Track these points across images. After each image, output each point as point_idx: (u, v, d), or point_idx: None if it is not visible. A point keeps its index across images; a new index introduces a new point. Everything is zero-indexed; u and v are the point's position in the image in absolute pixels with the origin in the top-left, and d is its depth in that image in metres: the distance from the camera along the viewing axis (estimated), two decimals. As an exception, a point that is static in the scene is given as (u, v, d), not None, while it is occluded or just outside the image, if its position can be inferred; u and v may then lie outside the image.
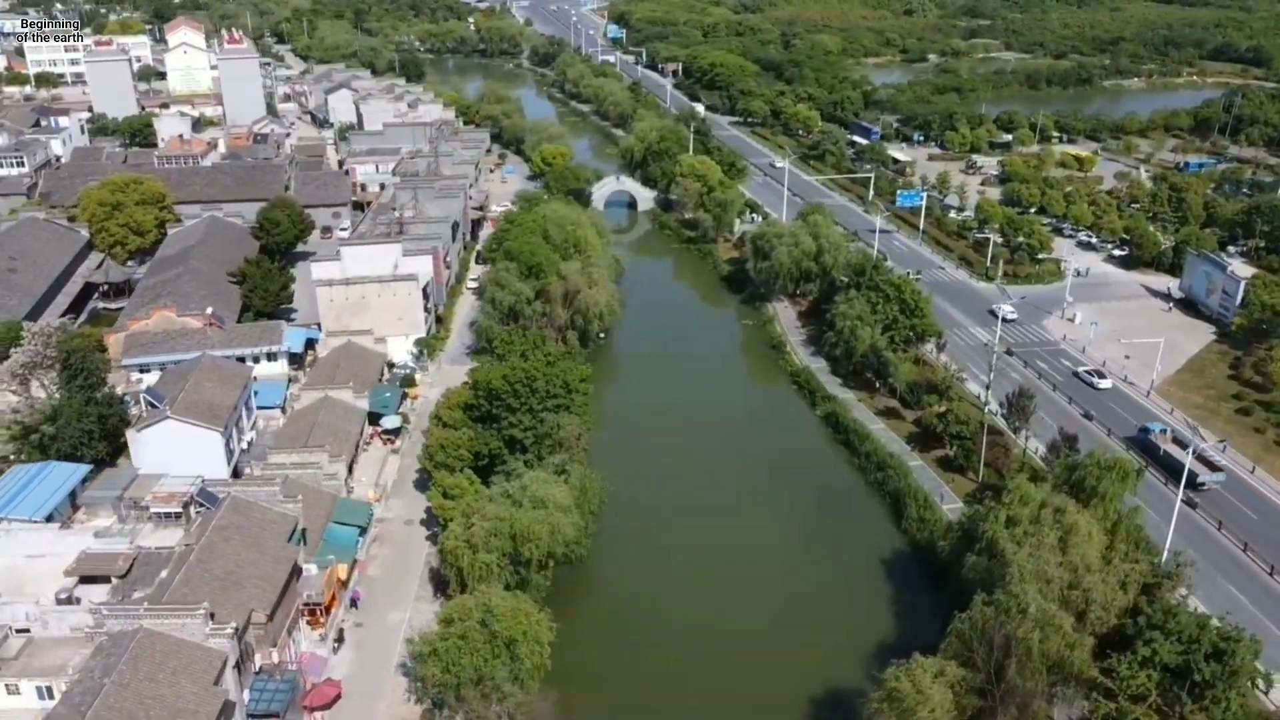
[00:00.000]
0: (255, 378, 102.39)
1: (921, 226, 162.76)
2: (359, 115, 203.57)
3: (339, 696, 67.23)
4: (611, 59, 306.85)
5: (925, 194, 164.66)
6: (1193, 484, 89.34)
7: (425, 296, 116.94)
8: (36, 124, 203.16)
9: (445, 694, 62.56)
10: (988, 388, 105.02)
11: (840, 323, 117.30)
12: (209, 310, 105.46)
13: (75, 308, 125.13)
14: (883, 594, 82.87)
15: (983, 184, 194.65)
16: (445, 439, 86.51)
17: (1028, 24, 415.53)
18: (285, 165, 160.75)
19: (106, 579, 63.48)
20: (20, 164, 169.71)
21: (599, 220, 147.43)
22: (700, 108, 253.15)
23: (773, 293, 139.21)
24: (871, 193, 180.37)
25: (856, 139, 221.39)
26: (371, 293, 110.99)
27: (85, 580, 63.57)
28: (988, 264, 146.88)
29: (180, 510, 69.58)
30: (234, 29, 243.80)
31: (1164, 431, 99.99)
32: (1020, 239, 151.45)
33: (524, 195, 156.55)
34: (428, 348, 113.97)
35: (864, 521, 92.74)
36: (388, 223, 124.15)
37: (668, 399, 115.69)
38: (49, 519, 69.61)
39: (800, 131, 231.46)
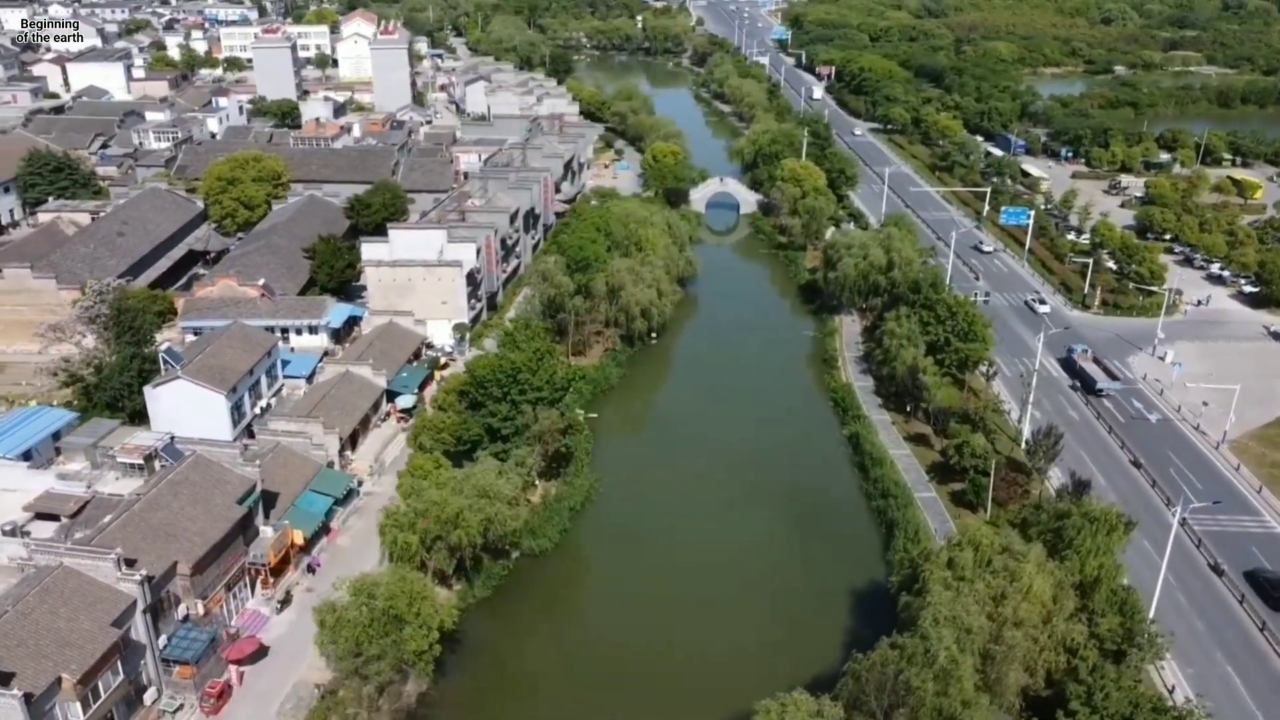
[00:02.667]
0: (293, 349, 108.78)
1: (1028, 246, 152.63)
2: (489, 107, 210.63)
3: (258, 652, 70.46)
4: (765, 60, 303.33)
5: (1032, 213, 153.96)
6: (1094, 390, 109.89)
7: (475, 283, 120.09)
8: (208, 104, 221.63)
9: (334, 664, 64.59)
10: (1019, 421, 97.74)
11: (887, 341, 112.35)
12: (261, 281, 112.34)
13: (178, 273, 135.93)
14: (842, 624, 78.64)
15: (1123, 205, 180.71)
16: (430, 421, 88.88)
17: (1241, 36, 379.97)
18: (394, 151, 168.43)
19: (57, 517, 69.28)
20: (189, 139, 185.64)
21: (676, 219, 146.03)
22: (817, 91, 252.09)
23: (843, 305, 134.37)
24: (986, 208, 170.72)
25: (994, 151, 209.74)
26: (417, 275, 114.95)
27: (40, 516, 69.63)
28: (1084, 291, 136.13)
29: (142, 462, 74.80)
30: (391, 21, 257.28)
31: (1085, 351, 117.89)
32: (1133, 267, 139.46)
33: (599, 191, 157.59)
34: (469, 333, 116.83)
35: (854, 548, 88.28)
36: (450, 209, 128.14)
37: (697, 405, 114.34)
38: (27, 457, 76.74)
39: (939, 141, 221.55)
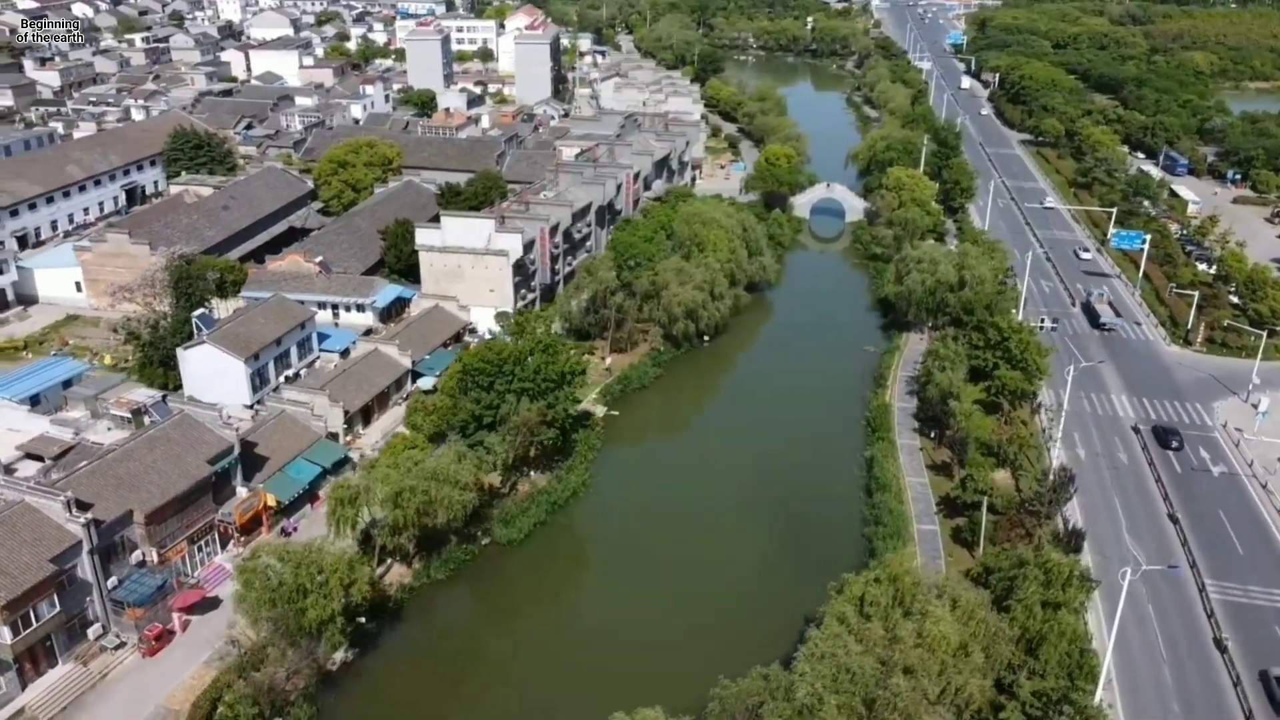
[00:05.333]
0: (336, 324, 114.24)
1: (1141, 273, 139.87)
2: (614, 104, 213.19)
3: (201, 602, 74.61)
4: (926, 65, 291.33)
5: (1148, 237, 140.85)
6: (1098, 324, 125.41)
7: (526, 274, 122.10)
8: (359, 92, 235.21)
9: (248, 624, 67.68)
10: (1038, 460, 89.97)
11: (929, 362, 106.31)
12: (319, 259, 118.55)
13: (278, 247, 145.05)
14: (784, 649, 75.06)
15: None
16: (422, 403, 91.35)
17: None
18: (501, 142, 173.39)
19: (43, 459, 75.97)
20: (321, 123, 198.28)
21: (753, 222, 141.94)
22: (965, 81, 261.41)
23: (916, 322, 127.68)
24: (1111, 228, 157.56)
25: (1147, 169, 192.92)
26: (466, 263, 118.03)
27: (30, 456, 76.56)
28: (1188, 326, 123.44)
29: (130, 415, 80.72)
30: (540, 17, 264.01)
31: (1101, 295, 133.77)
32: (1251, 303, 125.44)
33: (676, 191, 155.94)
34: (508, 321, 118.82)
35: (831, 574, 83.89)
36: (515, 199, 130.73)
37: (726, 413, 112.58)
38: (34, 401, 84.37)
39: (1088, 156, 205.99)
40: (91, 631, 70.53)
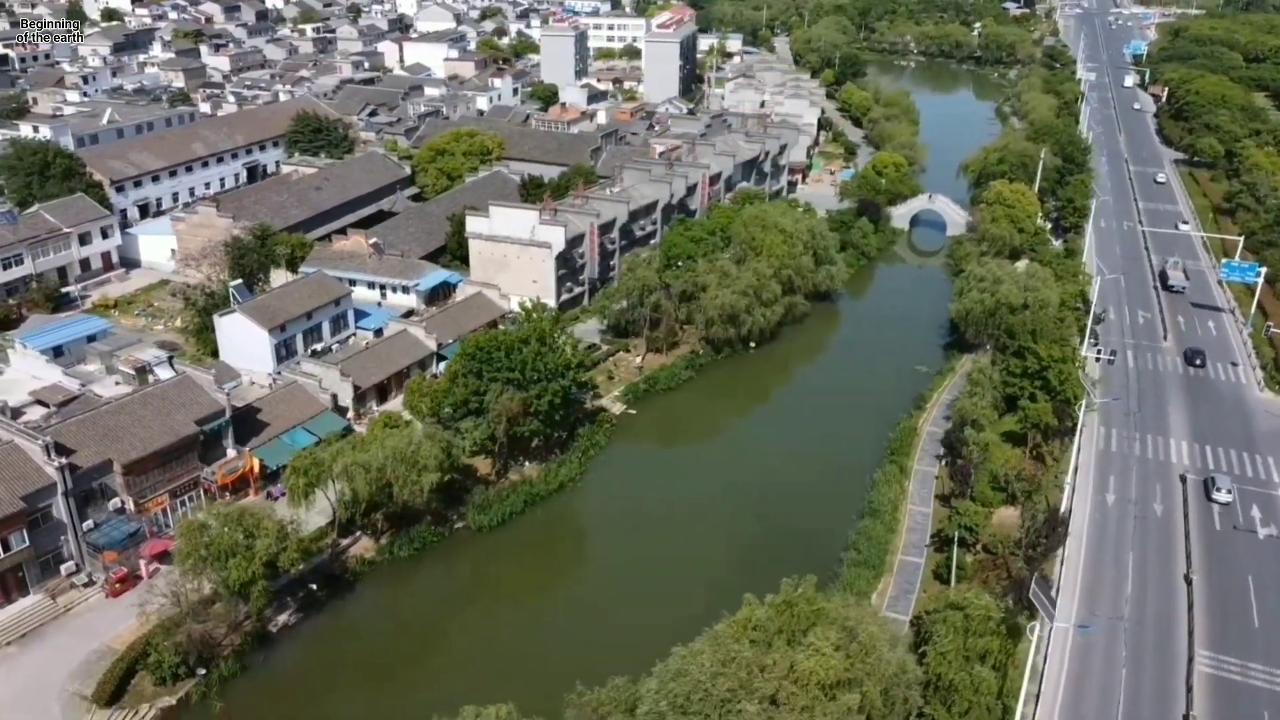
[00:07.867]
0: (379, 304, 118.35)
1: (1255, 307, 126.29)
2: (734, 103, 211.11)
3: (167, 552, 79.04)
4: (1091, 77, 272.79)
5: (1263, 270, 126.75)
6: (1167, 286, 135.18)
7: (572, 267, 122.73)
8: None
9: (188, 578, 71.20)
10: (1068, 499, 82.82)
11: (966, 386, 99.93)
12: (373, 240, 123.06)
13: (365, 227, 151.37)
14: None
15: None
16: (418, 386, 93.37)
17: None
18: (598, 137, 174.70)
19: (47, 405, 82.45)
20: (439, 114, 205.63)
21: (823, 229, 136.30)
22: (1130, 80, 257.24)
23: (977, 343, 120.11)
24: (1238, 257, 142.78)
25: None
26: (512, 252, 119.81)
27: (39, 403, 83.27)
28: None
29: (134, 372, 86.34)
30: (682, 16, 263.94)
31: (1176, 263, 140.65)
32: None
33: (742, 193, 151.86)
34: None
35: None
36: (574, 193, 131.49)
37: (749, 423, 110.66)
38: (58, 352, 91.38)
39: (1238, 179, 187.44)
40: (65, 568, 76.08)
